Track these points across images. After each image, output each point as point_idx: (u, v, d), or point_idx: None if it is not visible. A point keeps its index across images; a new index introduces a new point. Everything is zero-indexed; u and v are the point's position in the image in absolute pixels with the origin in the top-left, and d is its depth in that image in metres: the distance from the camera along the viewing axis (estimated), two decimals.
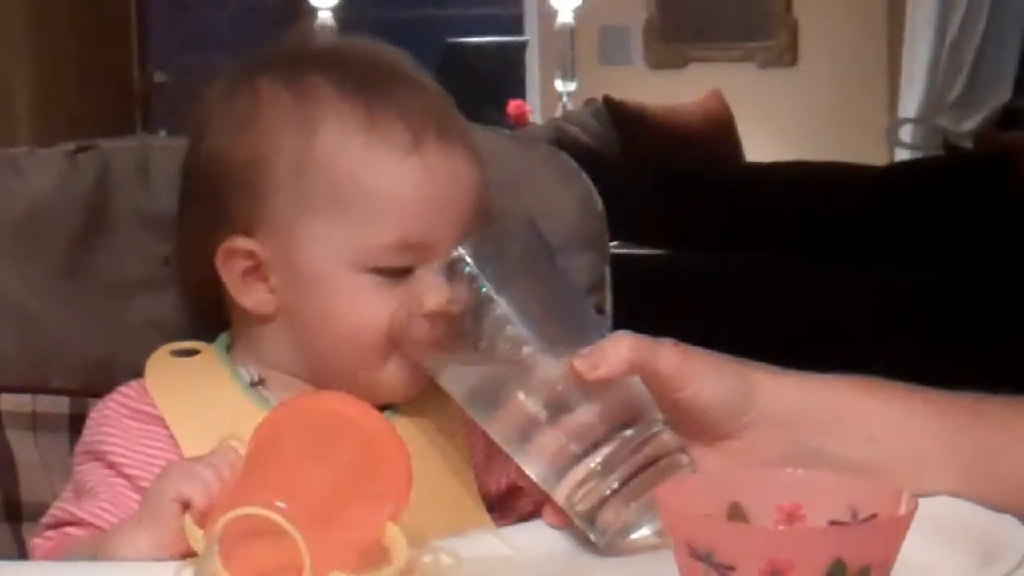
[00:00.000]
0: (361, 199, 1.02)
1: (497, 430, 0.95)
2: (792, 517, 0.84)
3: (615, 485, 0.91)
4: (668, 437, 0.94)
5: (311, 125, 1.04)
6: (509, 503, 1.10)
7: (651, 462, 0.92)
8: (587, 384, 0.92)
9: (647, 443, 0.93)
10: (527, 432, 0.93)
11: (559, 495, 0.94)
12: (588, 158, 1.32)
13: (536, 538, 0.96)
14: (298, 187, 1.03)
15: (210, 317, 1.11)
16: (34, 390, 1.13)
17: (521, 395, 0.93)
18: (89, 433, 1.06)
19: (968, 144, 4.93)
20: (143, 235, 1.16)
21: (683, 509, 0.81)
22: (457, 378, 0.97)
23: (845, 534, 0.79)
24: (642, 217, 3.22)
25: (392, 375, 1.04)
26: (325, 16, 5.67)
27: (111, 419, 1.05)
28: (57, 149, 1.18)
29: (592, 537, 0.93)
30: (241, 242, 1.05)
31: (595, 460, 0.92)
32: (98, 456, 1.04)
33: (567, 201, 1.23)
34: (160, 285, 1.15)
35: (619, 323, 1.25)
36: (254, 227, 1.05)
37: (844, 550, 0.75)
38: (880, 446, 0.95)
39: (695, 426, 0.95)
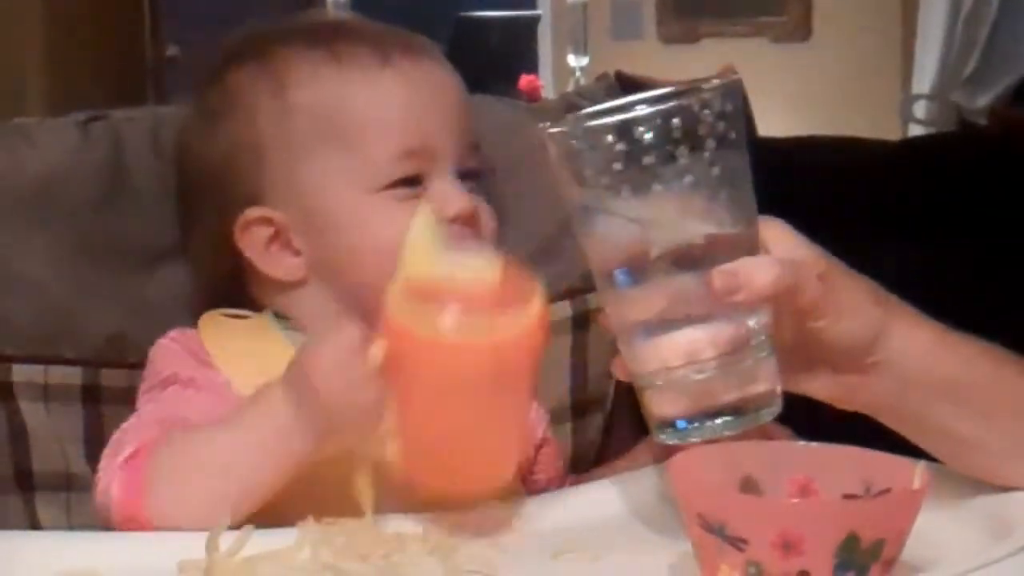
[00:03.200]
0: (348, 124, 1.04)
1: (598, 262, 0.88)
2: (805, 491, 0.84)
3: (702, 379, 0.85)
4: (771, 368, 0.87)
5: (280, 80, 1.06)
6: (525, 480, 1.11)
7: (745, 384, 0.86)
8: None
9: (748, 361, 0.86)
10: (640, 276, 0.86)
11: (644, 354, 0.87)
12: None
13: (548, 510, 0.97)
14: (286, 139, 1.04)
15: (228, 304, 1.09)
16: (46, 361, 1.13)
17: (651, 247, 0.85)
18: (152, 371, 1.04)
19: (982, 120, 4.91)
20: (156, 205, 1.15)
21: (695, 482, 0.80)
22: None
23: (858, 508, 0.79)
24: None
25: None
26: None
27: (170, 350, 1.04)
28: (69, 119, 1.18)
29: (654, 408, 0.87)
30: (254, 211, 1.05)
31: (705, 356, 0.85)
32: (171, 382, 1.01)
33: None
34: (175, 256, 1.15)
35: None
36: (261, 196, 1.05)
37: (857, 524, 0.75)
38: (993, 425, 0.92)
39: (816, 353, 0.91)
